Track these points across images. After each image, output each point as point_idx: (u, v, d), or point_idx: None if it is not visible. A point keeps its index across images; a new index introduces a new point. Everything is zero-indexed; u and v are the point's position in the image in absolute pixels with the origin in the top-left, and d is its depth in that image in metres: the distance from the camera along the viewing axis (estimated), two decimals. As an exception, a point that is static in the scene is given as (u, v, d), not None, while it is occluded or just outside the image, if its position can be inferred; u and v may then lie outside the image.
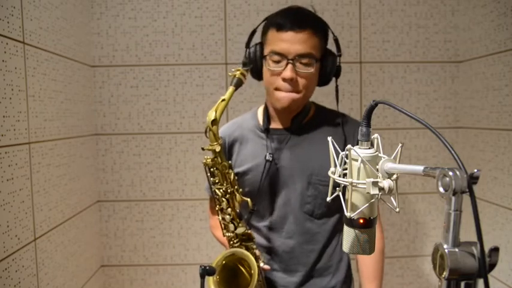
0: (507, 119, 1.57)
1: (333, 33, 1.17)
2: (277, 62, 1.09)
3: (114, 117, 1.84)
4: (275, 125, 1.21)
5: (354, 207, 0.65)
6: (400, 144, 0.64)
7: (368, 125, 0.66)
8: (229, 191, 1.08)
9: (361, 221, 0.65)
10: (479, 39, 1.73)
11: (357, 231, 0.66)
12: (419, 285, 1.94)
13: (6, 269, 1.10)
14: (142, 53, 1.83)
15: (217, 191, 1.08)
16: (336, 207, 1.14)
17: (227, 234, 1.13)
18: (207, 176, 1.09)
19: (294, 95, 1.10)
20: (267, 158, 1.15)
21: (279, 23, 1.10)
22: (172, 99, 1.85)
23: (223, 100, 1.03)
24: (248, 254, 1.08)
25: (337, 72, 1.17)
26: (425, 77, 1.88)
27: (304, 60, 1.08)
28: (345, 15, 1.84)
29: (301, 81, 1.10)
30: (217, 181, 1.08)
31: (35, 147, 1.29)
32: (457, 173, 0.51)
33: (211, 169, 1.08)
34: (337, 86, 1.20)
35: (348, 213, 0.65)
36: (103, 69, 1.83)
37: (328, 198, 0.71)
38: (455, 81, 1.88)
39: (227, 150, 1.24)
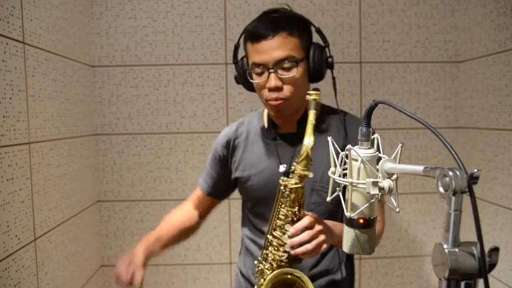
0: (507, 119, 1.57)
1: (313, 25, 1.14)
2: (260, 74, 1.08)
3: (114, 117, 1.84)
4: (281, 130, 1.18)
5: (354, 207, 0.65)
6: (400, 144, 0.64)
7: (368, 125, 0.66)
8: (297, 213, 1.03)
9: (361, 221, 0.65)
10: (479, 39, 1.73)
11: (357, 231, 0.66)
12: (419, 285, 1.94)
13: (6, 269, 1.10)
14: (142, 53, 1.83)
15: (285, 211, 1.03)
16: (339, 214, 1.12)
17: (278, 253, 1.04)
18: (277, 197, 1.04)
19: (284, 102, 1.07)
20: (281, 170, 1.12)
21: (251, 34, 1.08)
22: (172, 99, 1.85)
23: (313, 124, 1.00)
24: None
25: (329, 64, 1.13)
26: (425, 77, 1.88)
27: (286, 65, 1.05)
28: (345, 15, 1.84)
29: (288, 87, 1.06)
30: (286, 203, 1.03)
31: (35, 147, 1.29)
32: (457, 173, 0.51)
33: (286, 192, 1.02)
34: (333, 78, 1.16)
35: (348, 213, 0.65)
36: (103, 69, 1.83)
37: (328, 198, 0.72)
38: (455, 81, 1.88)
39: (230, 151, 1.22)
